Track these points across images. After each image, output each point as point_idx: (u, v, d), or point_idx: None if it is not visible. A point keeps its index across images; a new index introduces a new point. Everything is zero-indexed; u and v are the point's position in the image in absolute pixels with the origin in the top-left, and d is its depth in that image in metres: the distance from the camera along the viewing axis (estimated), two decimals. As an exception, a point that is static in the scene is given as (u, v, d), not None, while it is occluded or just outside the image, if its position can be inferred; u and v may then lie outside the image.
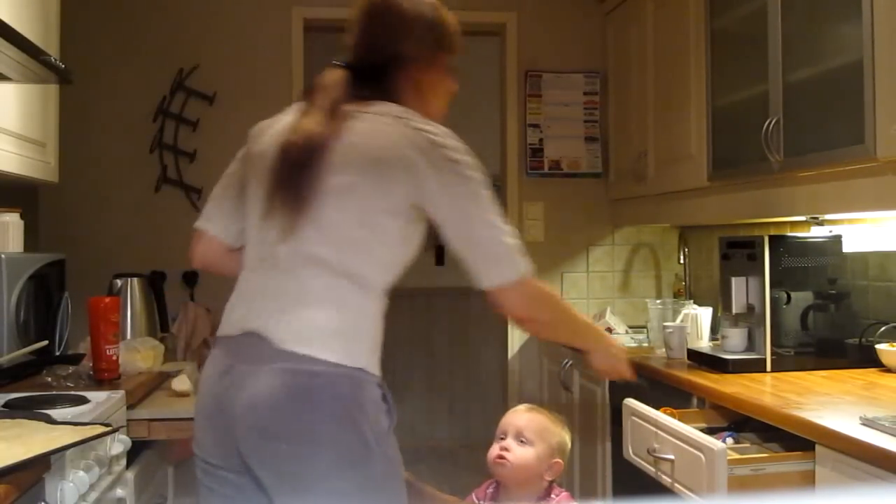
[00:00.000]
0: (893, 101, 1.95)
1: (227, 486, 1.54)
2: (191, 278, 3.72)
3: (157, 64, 3.75)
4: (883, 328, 2.40)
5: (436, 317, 5.44)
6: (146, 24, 3.77)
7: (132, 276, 3.28)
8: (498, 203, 1.57)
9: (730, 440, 2.03)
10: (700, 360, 2.57)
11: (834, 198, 2.25)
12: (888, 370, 2.31)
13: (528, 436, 1.88)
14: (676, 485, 1.97)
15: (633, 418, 2.22)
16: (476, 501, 1.95)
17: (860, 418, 1.70)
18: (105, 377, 2.44)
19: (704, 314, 2.84)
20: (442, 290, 5.12)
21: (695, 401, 2.33)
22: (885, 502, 0.62)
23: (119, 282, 3.24)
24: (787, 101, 2.36)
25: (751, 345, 2.50)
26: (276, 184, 1.55)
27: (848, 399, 2.01)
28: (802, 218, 2.65)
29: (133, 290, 3.24)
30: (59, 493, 1.66)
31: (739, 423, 2.11)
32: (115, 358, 2.48)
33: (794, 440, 1.83)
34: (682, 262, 3.85)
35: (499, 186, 3.97)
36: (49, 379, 2.33)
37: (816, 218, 2.60)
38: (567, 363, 3.36)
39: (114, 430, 1.84)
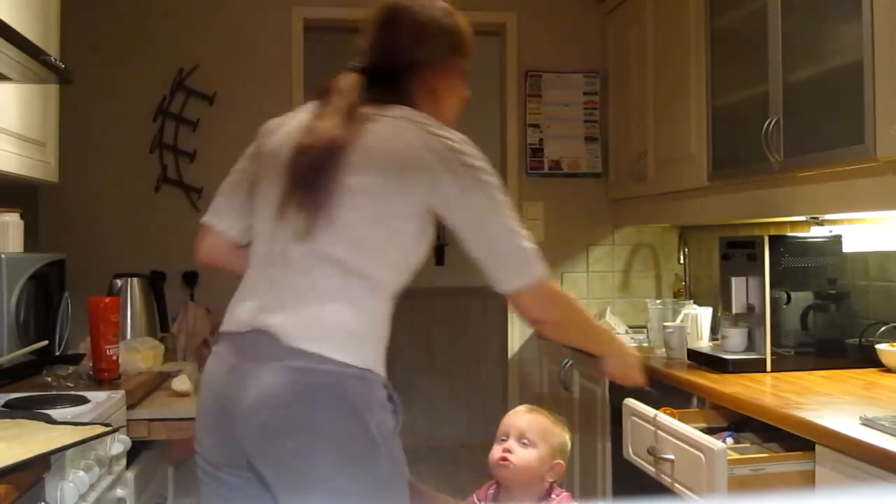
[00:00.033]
0: (893, 101, 1.95)
1: (229, 486, 1.54)
2: (191, 278, 3.72)
3: (157, 64, 3.75)
4: (883, 328, 2.40)
5: (436, 317, 5.44)
6: (146, 24, 3.77)
7: (132, 276, 3.28)
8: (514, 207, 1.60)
9: (730, 440, 2.03)
10: (700, 360, 2.57)
11: (834, 198, 2.25)
12: (888, 370, 2.31)
13: (530, 437, 1.87)
14: (676, 485, 1.97)
15: (633, 418, 2.22)
16: (477, 502, 1.95)
17: (860, 418, 1.70)
18: (105, 377, 2.44)
19: (704, 314, 2.84)
20: (442, 290, 5.12)
21: (695, 401, 2.33)
22: (885, 502, 0.62)
23: (119, 282, 3.24)
24: (787, 101, 2.36)
25: (751, 345, 2.50)
26: (292, 184, 1.55)
27: (848, 399, 2.01)
28: (802, 218, 2.65)
29: (133, 290, 3.24)
30: (59, 493, 1.66)
31: (739, 423, 2.11)
32: (115, 358, 2.48)
33: (794, 440, 1.83)
34: (682, 262, 3.85)
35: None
36: (49, 379, 2.33)
37: (816, 218, 2.60)
38: (567, 363, 3.36)
39: (114, 430, 1.84)
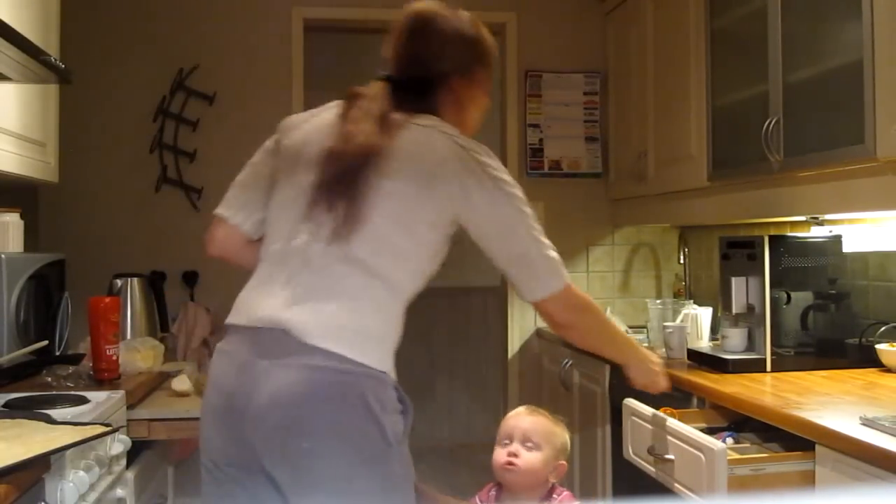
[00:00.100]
0: (893, 101, 1.95)
1: (234, 487, 1.52)
2: (191, 278, 3.72)
3: (157, 64, 3.75)
4: (883, 328, 2.40)
5: (436, 317, 5.44)
6: (146, 24, 3.77)
7: (132, 276, 3.28)
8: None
9: (730, 440, 2.03)
10: (700, 360, 2.57)
11: (834, 198, 2.25)
12: (888, 370, 2.31)
13: (534, 440, 1.86)
14: (676, 485, 1.97)
15: (633, 418, 2.22)
16: (478, 503, 1.94)
17: (860, 418, 1.70)
18: (105, 377, 2.44)
19: (704, 314, 2.84)
20: (442, 289, 5.12)
21: (695, 401, 2.33)
22: (885, 502, 0.62)
23: (119, 282, 3.25)
24: (787, 101, 2.36)
25: (751, 345, 2.50)
26: (324, 185, 1.55)
27: (848, 399, 2.01)
28: (802, 218, 2.65)
29: (133, 290, 3.24)
30: (59, 493, 1.66)
31: (739, 423, 2.11)
32: (115, 358, 2.48)
33: (794, 440, 1.83)
34: (682, 262, 3.85)
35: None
36: (49, 379, 2.33)
37: (816, 218, 2.60)
38: (567, 363, 3.36)
39: (114, 430, 1.84)
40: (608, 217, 4.02)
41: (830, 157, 2.18)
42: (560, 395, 3.44)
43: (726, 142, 2.78)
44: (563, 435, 1.91)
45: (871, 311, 2.54)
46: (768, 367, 2.40)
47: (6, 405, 2.01)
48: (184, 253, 3.65)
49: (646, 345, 3.15)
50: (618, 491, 2.90)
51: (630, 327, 3.60)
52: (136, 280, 3.26)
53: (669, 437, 2.01)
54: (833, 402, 1.98)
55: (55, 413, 1.90)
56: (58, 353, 2.55)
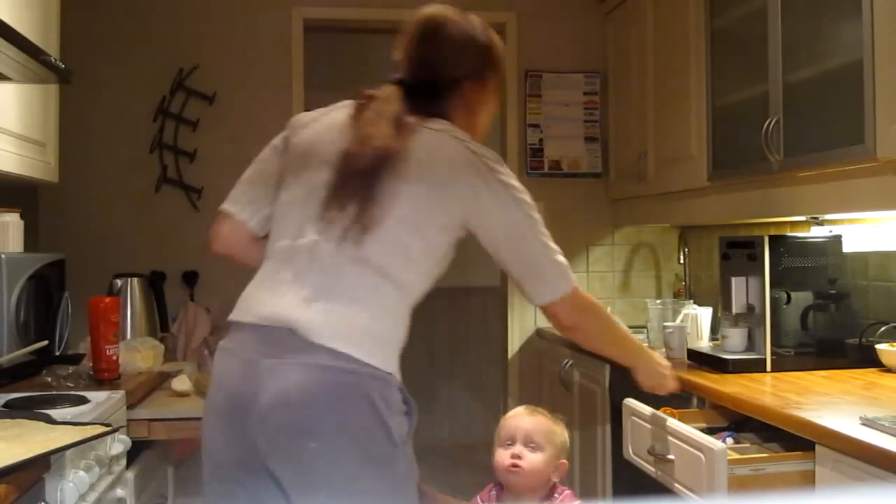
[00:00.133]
0: (893, 101, 1.95)
1: (235, 487, 1.52)
2: (191, 278, 3.72)
3: (157, 64, 3.75)
4: (883, 328, 2.40)
5: (436, 317, 5.44)
6: (146, 24, 3.77)
7: (132, 276, 3.28)
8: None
9: (730, 440, 2.03)
10: (700, 360, 2.57)
11: (834, 198, 2.25)
12: (888, 370, 2.31)
13: (537, 440, 1.85)
14: (676, 485, 1.97)
15: (633, 418, 2.22)
16: (481, 503, 1.94)
17: (860, 418, 1.70)
18: (105, 377, 2.44)
19: (704, 314, 2.84)
20: (442, 290, 5.11)
21: (695, 401, 2.33)
22: (885, 502, 0.62)
23: (119, 282, 3.25)
24: (787, 101, 2.36)
25: (751, 345, 2.50)
26: (339, 186, 1.55)
27: (848, 399, 2.01)
28: (802, 218, 2.65)
29: (133, 290, 3.24)
30: (59, 493, 1.66)
31: (739, 423, 2.11)
32: (115, 358, 2.48)
33: (794, 440, 1.83)
34: (682, 262, 3.85)
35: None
36: (49, 379, 2.33)
37: (816, 218, 2.60)
38: (567, 363, 3.36)
39: (114, 430, 1.84)
40: (608, 217, 4.02)
41: (830, 157, 2.18)
42: (560, 395, 3.44)
43: (726, 142, 2.78)
44: (562, 433, 1.91)
45: (871, 311, 2.54)
46: (768, 367, 2.40)
47: (6, 405, 2.01)
48: (184, 253, 3.65)
49: (646, 345, 3.15)
50: (618, 491, 2.90)
51: (630, 327, 3.59)
52: (136, 280, 3.27)
53: (669, 437, 2.01)
54: (833, 402, 1.98)
55: (55, 413, 1.90)
56: (58, 353, 2.55)
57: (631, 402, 2.25)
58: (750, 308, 2.50)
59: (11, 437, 1.63)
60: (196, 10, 3.80)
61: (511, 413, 1.96)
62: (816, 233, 2.63)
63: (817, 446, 1.75)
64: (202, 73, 3.76)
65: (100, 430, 1.75)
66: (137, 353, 2.66)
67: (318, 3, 3.86)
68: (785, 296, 2.44)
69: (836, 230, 2.60)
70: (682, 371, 2.47)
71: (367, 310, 1.50)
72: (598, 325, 1.79)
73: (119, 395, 2.23)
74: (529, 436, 1.86)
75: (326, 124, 1.65)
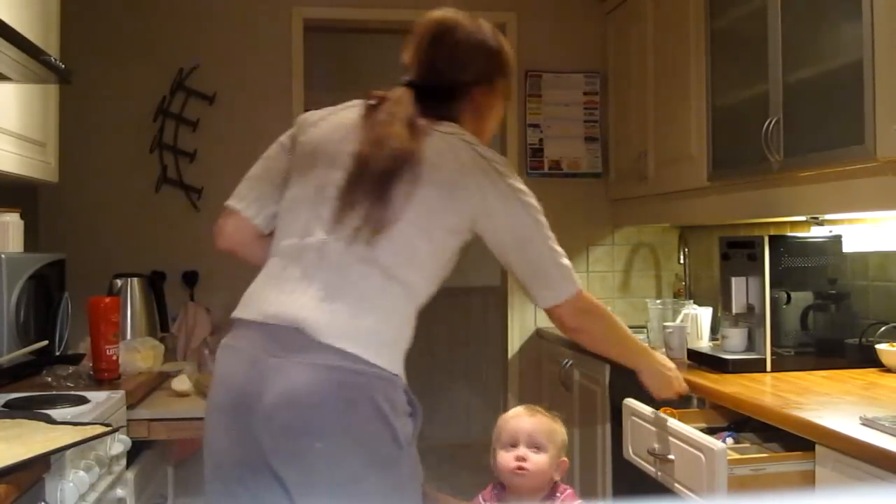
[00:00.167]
0: (893, 101, 1.95)
1: (238, 487, 1.51)
2: (191, 278, 3.71)
3: (157, 64, 3.75)
4: (883, 328, 2.40)
5: (436, 317, 5.43)
6: (146, 24, 3.77)
7: (132, 276, 3.28)
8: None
9: (730, 440, 2.03)
10: (700, 360, 2.57)
11: (834, 198, 2.25)
12: (888, 370, 2.31)
13: (540, 441, 1.85)
14: (676, 485, 1.97)
15: (633, 418, 2.22)
16: (482, 503, 1.94)
17: (860, 418, 1.70)
18: (105, 377, 2.44)
19: (704, 314, 2.85)
20: (442, 290, 5.11)
21: (695, 401, 2.33)
22: (885, 502, 0.62)
23: (119, 282, 3.24)
24: (787, 101, 2.36)
25: (751, 345, 2.50)
26: (350, 186, 1.55)
27: (848, 399, 2.01)
28: (802, 218, 2.65)
29: (133, 290, 3.24)
30: (59, 493, 1.66)
31: (739, 423, 2.11)
32: (115, 358, 2.48)
33: (794, 440, 1.83)
34: (682, 262, 3.85)
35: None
36: (49, 379, 2.33)
37: (816, 218, 2.60)
38: (567, 363, 3.36)
39: (114, 430, 1.84)
40: (608, 217, 4.02)
41: (830, 157, 2.18)
42: (560, 394, 3.44)
43: (726, 142, 2.78)
44: (562, 432, 1.92)
45: (871, 311, 2.54)
46: (768, 367, 2.40)
47: (6, 405, 2.01)
48: (184, 253, 3.65)
49: (646, 345, 3.15)
50: (618, 491, 2.90)
51: (630, 327, 3.59)
52: (136, 280, 3.26)
53: (669, 437, 2.01)
54: (833, 402, 1.98)
55: (55, 413, 1.90)
56: (58, 353, 2.55)
57: (631, 401, 2.25)
58: (750, 308, 2.50)
59: (11, 437, 1.63)
60: (196, 11, 3.80)
61: (510, 413, 1.95)
62: (816, 233, 2.63)
63: (817, 446, 1.75)
64: (202, 73, 3.76)
65: (100, 430, 1.75)
66: (137, 353, 2.66)
67: (318, 3, 3.86)
68: (785, 296, 2.44)
69: (836, 230, 2.60)
70: (682, 371, 2.47)
71: (374, 310, 1.50)
72: (602, 328, 1.80)
73: (119, 395, 2.23)
74: (532, 437, 1.85)
75: (335, 123, 1.65)
